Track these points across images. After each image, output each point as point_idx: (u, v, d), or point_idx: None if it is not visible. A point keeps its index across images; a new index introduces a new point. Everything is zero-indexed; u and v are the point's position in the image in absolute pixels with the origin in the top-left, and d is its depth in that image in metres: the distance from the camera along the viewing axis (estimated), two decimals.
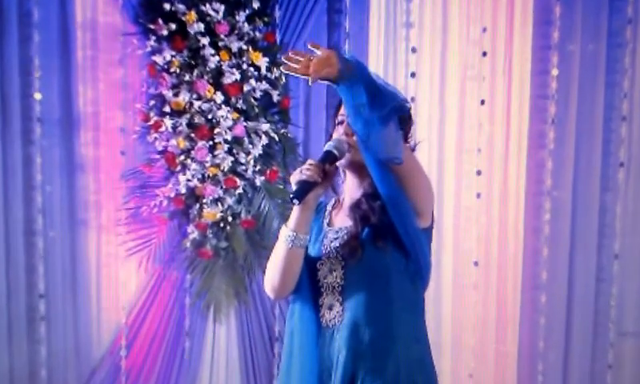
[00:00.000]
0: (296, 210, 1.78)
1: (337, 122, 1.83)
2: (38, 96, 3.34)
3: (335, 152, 1.76)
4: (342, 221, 1.87)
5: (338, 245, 1.82)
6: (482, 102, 3.56)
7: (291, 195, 1.74)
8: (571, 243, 3.57)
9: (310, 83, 1.61)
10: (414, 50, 3.53)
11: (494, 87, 3.54)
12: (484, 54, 3.54)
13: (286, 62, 1.61)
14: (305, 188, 1.74)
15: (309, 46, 1.63)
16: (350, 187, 1.87)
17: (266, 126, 3.30)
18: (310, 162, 1.75)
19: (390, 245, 1.77)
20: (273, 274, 1.83)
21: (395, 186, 1.71)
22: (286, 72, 1.63)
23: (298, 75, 1.61)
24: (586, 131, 3.54)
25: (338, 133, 1.80)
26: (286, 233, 1.80)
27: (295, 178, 1.76)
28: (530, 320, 3.61)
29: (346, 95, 1.62)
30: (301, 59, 1.60)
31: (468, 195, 3.59)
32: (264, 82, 3.29)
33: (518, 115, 3.55)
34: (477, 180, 3.59)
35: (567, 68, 3.50)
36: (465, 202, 3.59)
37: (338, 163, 1.80)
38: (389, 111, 1.63)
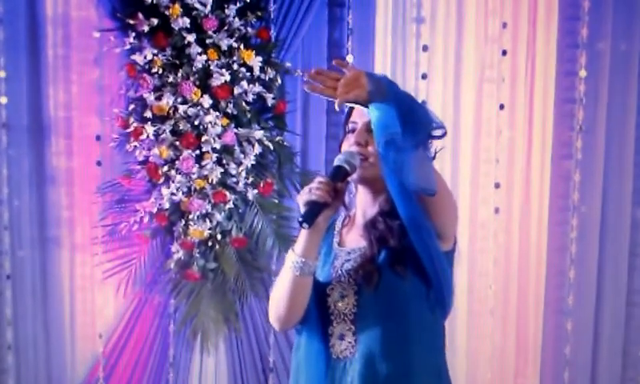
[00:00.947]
0: (304, 234, 1.66)
1: (347, 130, 1.73)
2: (3, 100, 3.21)
3: (346, 167, 1.64)
4: (354, 240, 1.76)
5: (350, 268, 1.72)
6: (502, 107, 3.40)
7: (300, 219, 1.62)
8: (599, 264, 3.44)
9: (337, 107, 1.53)
10: (425, 49, 3.36)
11: (514, 90, 3.39)
12: (504, 52, 3.37)
13: (309, 80, 1.54)
14: (315, 210, 1.62)
15: (334, 64, 1.58)
16: (363, 202, 1.76)
17: (259, 134, 3.13)
18: (319, 179, 1.64)
19: (409, 270, 1.67)
20: (278, 303, 1.72)
21: (418, 208, 1.61)
22: (311, 92, 1.56)
23: (323, 97, 1.54)
24: (617, 139, 3.40)
25: (349, 142, 1.70)
26: (293, 259, 1.67)
27: (303, 198, 1.64)
28: (554, 349, 3.47)
29: (377, 119, 1.53)
30: (326, 79, 1.52)
31: (485, 210, 3.43)
32: (257, 84, 3.13)
33: (542, 121, 3.40)
34: (495, 193, 3.42)
35: (596, 69, 3.35)
36: (481, 217, 3.43)
37: (349, 178, 1.69)
38: (423, 137, 1.57)
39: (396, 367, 1.66)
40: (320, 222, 1.63)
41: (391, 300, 1.66)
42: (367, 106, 1.53)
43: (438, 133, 1.62)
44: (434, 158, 1.74)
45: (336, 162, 1.65)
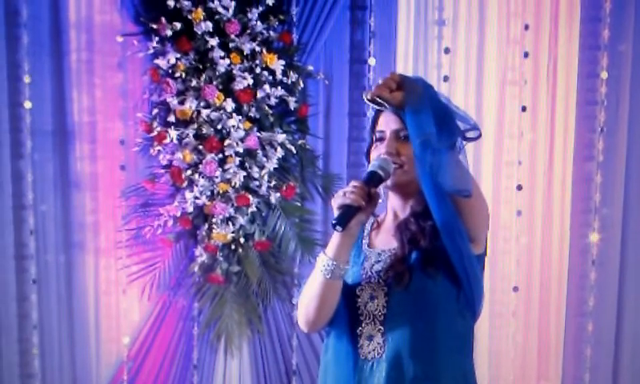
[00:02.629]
0: (337, 237, 1.65)
1: (376, 138, 1.72)
2: (27, 104, 3.20)
3: (381, 173, 1.64)
4: (384, 242, 1.76)
5: (380, 269, 1.71)
6: (524, 109, 3.39)
7: (333, 221, 1.62)
8: (621, 265, 3.42)
9: (365, 97, 1.56)
10: (447, 51, 3.34)
11: (536, 92, 3.37)
12: (526, 54, 3.35)
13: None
14: (348, 213, 1.61)
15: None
16: (394, 206, 1.76)
17: (281, 137, 3.13)
18: (353, 183, 1.64)
19: (440, 272, 1.65)
20: (307, 306, 1.71)
21: (452, 210, 1.60)
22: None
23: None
24: (639, 140, 3.39)
25: (379, 151, 1.69)
26: (324, 261, 1.66)
27: (338, 201, 1.63)
28: (575, 351, 3.45)
29: (413, 121, 1.53)
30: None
31: (507, 212, 3.41)
32: (279, 88, 3.12)
33: (564, 123, 3.39)
34: (517, 195, 3.40)
35: (618, 70, 3.33)
36: (504, 220, 3.41)
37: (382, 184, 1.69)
38: (458, 139, 1.58)
39: (423, 369, 1.65)
40: (353, 226, 1.63)
41: (421, 301, 1.66)
42: (402, 108, 1.53)
43: (472, 134, 1.63)
44: None
45: (370, 168, 1.64)
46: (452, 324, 1.67)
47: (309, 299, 1.70)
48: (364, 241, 1.78)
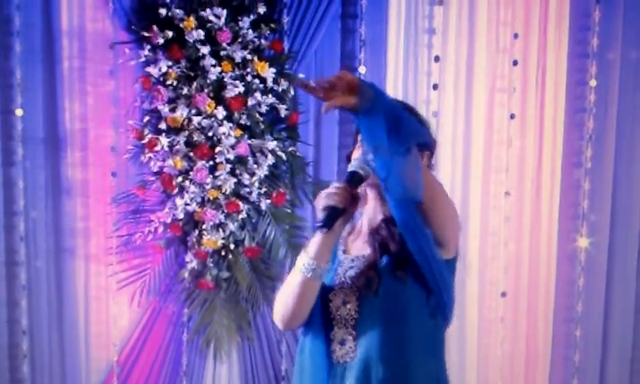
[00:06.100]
0: (319, 237, 1.67)
1: (359, 139, 1.73)
2: (19, 112, 3.19)
3: (361, 172, 1.66)
4: (359, 248, 1.78)
5: (353, 274, 1.73)
6: (512, 116, 3.39)
7: (319, 223, 1.64)
8: (608, 272, 3.44)
9: (323, 111, 1.50)
10: (437, 59, 3.33)
11: (525, 99, 3.37)
12: (515, 62, 3.35)
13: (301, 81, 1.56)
14: (333, 214, 1.63)
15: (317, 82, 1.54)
16: (369, 211, 1.78)
17: (272, 144, 3.14)
18: (336, 184, 1.66)
19: (409, 276, 1.68)
20: (284, 303, 1.73)
21: (414, 212, 1.60)
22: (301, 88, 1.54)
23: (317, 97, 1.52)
24: (627, 148, 3.40)
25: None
26: (305, 261, 1.68)
27: (322, 203, 1.65)
28: (563, 357, 3.46)
29: (365, 127, 1.53)
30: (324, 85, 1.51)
31: (495, 219, 3.41)
32: (270, 96, 3.13)
33: (552, 130, 3.39)
34: (505, 202, 3.41)
35: (607, 78, 3.34)
36: (492, 226, 3.41)
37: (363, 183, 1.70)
38: (411, 145, 1.53)
39: (393, 371, 1.66)
40: (336, 227, 1.65)
41: (391, 305, 1.67)
42: (354, 113, 1.51)
43: (426, 140, 1.63)
44: (429, 167, 1.77)
45: (351, 168, 1.66)
46: (422, 327, 1.69)
47: (287, 297, 1.71)
48: (339, 247, 1.80)
